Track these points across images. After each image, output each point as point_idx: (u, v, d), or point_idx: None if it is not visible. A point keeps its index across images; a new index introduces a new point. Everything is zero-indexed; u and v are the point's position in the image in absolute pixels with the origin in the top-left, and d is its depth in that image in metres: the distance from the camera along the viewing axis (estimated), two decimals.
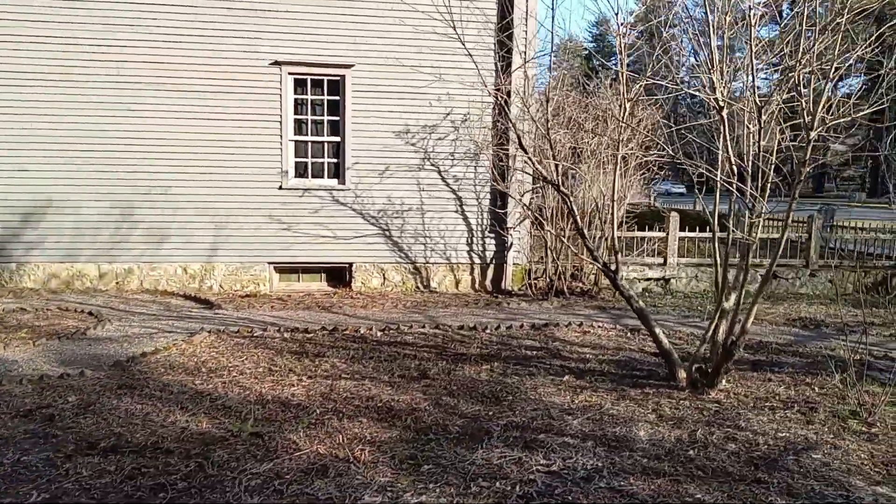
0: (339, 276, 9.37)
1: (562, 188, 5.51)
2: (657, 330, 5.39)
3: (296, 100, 8.95)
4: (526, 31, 8.86)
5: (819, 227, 10.30)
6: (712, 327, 5.32)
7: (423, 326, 6.93)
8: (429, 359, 5.86)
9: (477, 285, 9.53)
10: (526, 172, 9.08)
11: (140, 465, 3.64)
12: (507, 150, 8.92)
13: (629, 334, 6.89)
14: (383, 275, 9.28)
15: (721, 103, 4.68)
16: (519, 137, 5.56)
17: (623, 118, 5.32)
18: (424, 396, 4.90)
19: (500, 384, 5.22)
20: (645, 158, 9.06)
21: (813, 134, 4.61)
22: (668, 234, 9.94)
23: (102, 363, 5.50)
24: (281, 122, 8.82)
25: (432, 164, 9.20)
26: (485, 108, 9.07)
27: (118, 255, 8.74)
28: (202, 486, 3.43)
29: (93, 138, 8.52)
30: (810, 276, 10.23)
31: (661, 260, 10.02)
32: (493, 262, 9.49)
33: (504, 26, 8.70)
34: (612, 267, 5.51)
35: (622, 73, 5.35)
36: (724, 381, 5.32)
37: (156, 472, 3.57)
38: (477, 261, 9.48)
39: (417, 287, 9.37)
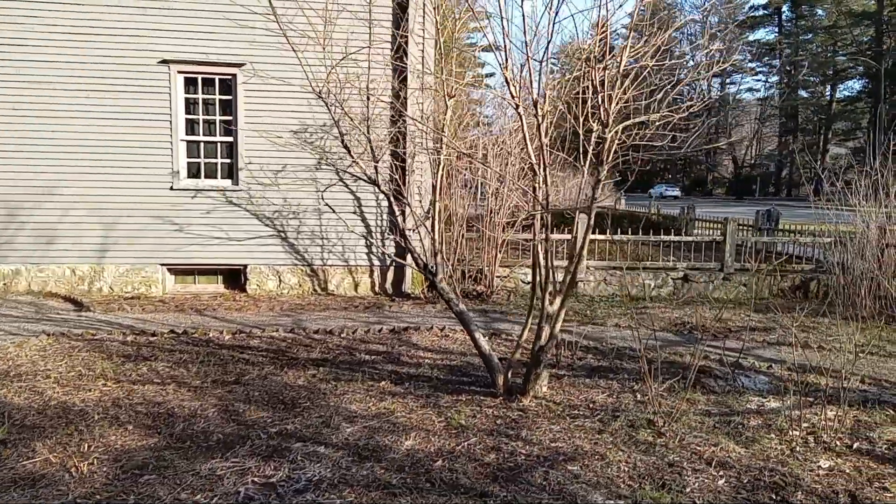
0: (235, 278, 9.25)
1: (382, 187, 5.36)
2: (477, 334, 5.21)
3: (187, 99, 8.84)
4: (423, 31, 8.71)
5: (734, 230, 10.07)
6: (525, 332, 5.15)
7: (277, 330, 6.78)
8: (258, 363, 5.71)
9: (377, 288, 9.37)
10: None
11: None
12: (406, 149, 8.76)
13: (487, 338, 6.70)
14: (279, 277, 9.14)
15: (516, 100, 4.51)
16: (341, 135, 5.41)
17: (447, 113, 5.15)
18: (219, 403, 4.75)
19: (309, 390, 5.06)
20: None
21: (608, 132, 4.44)
22: (575, 236, 9.72)
23: None
24: (171, 122, 8.70)
25: (330, 164, 9.05)
26: (383, 106, 8.91)
27: (6, 256, 8.65)
28: None
29: None
30: (724, 280, 10.00)
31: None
32: (394, 264, 9.33)
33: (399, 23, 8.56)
34: (433, 269, 5.34)
35: (439, 73, 5.18)
36: (544, 388, 5.14)
37: None
38: (377, 263, 9.32)
39: (315, 290, 9.22)
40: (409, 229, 5.52)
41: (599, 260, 10.00)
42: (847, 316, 8.53)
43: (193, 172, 8.98)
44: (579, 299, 9.40)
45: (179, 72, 8.68)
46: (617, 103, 4.40)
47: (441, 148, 5.18)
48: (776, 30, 66.59)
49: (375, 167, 5.37)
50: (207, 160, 8.99)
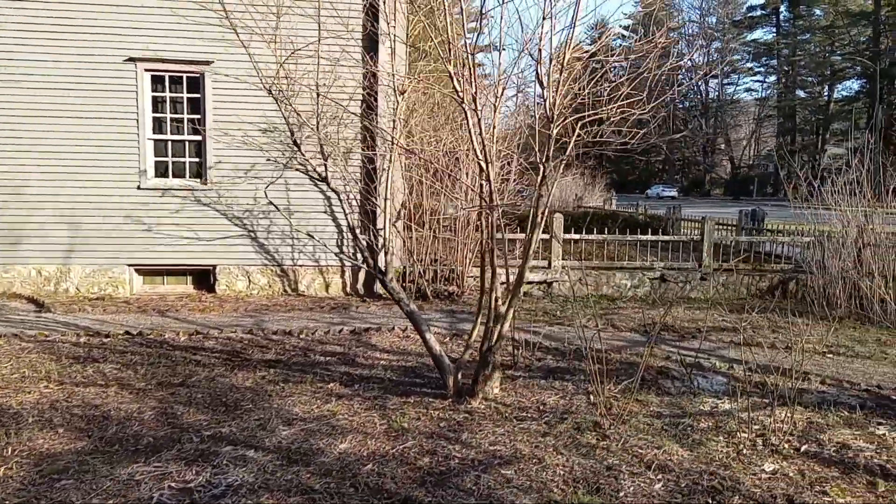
0: (204, 278, 9.14)
1: (331, 184, 5.27)
2: (427, 335, 5.11)
3: (155, 97, 8.73)
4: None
5: (711, 229, 9.97)
6: (474, 333, 5.04)
7: (236, 331, 6.68)
8: (209, 365, 5.61)
9: (349, 288, 9.27)
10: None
11: None
12: (376, 149, 8.65)
13: (447, 339, 6.62)
14: (248, 277, 9.03)
15: (461, 95, 4.40)
16: (291, 132, 5.31)
17: (397, 111, 5.06)
18: (159, 405, 4.64)
19: (255, 392, 4.96)
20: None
21: (554, 129, 4.33)
22: (551, 235, 9.63)
23: None
24: (138, 121, 8.60)
25: (300, 163, 8.92)
26: (352, 105, 8.81)
27: None
28: None
29: None
30: (701, 280, 9.89)
31: (545, 263, 9.71)
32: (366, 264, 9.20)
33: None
34: (383, 269, 5.25)
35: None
36: (495, 389, 5.03)
37: None
38: (348, 263, 9.21)
39: (285, 290, 9.11)
40: (357, 227, 5.41)
41: (576, 260, 9.89)
42: (822, 316, 8.43)
43: (161, 171, 8.88)
44: (553, 300, 9.29)
45: (146, 70, 8.58)
46: (562, 99, 4.30)
47: (393, 146, 5.09)
48: (774, 30, 66.49)
49: (325, 165, 5.27)
50: (175, 159, 8.89)
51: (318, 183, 8.85)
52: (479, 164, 4.61)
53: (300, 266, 9.14)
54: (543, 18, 4.27)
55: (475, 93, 4.17)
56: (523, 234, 9.34)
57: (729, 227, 12.70)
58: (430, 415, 4.58)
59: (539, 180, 4.54)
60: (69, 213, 8.61)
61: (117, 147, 8.62)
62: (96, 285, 8.76)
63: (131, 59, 8.51)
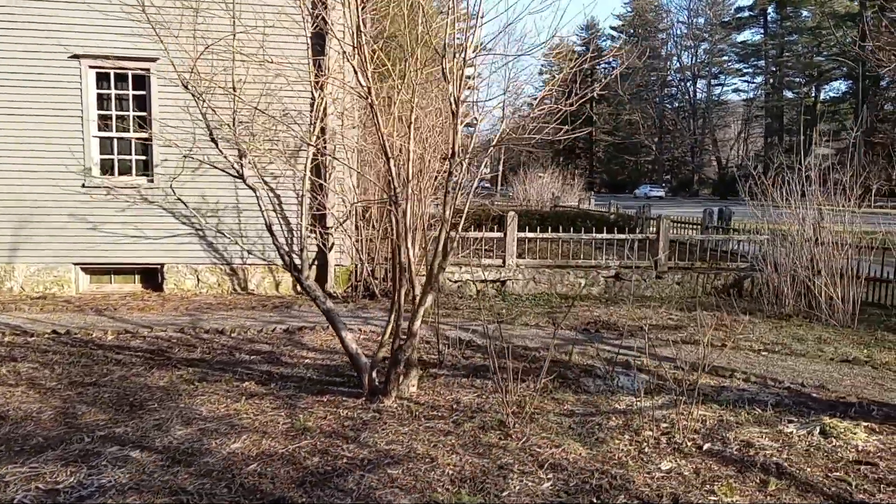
0: (153, 277, 9.04)
1: (248, 182, 5.20)
2: (344, 333, 5.05)
3: (100, 94, 8.64)
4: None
5: (667, 227, 9.93)
6: (388, 331, 4.98)
7: (166, 330, 6.59)
8: (129, 364, 5.52)
9: (299, 287, 9.18)
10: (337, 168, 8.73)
11: None
12: (325, 147, 8.58)
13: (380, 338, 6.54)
14: (197, 276, 8.94)
15: (365, 88, 4.33)
16: (209, 128, 5.24)
17: (313, 109, 4.98)
18: (62, 405, 4.55)
19: (166, 391, 4.88)
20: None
21: (461, 126, 4.27)
22: (505, 234, 9.58)
23: None
24: (82, 118, 8.50)
25: (249, 161, 8.84)
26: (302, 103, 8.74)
27: None
28: None
29: None
30: (656, 279, 9.85)
31: (499, 261, 9.65)
32: (316, 263, 9.14)
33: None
34: (300, 267, 5.17)
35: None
36: (412, 388, 4.97)
37: None
38: (298, 262, 9.11)
39: (234, 289, 9.03)
40: (273, 224, 5.36)
41: (530, 258, 9.84)
42: (772, 314, 8.42)
43: (107, 169, 8.78)
44: (505, 298, 9.24)
45: (91, 66, 8.48)
46: (464, 93, 4.24)
47: (310, 146, 5.04)
48: (762, 31, 66.73)
49: (241, 163, 5.21)
50: (122, 157, 8.79)
51: (269, 181, 8.78)
52: (385, 158, 4.55)
53: (250, 265, 9.05)
54: (446, 13, 4.21)
55: (370, 88, 4.10)
56: (474, 233, 9.30)
57: (693, 226, 12.70)
58: (337, 414, 4.51)
59: (447, 177, 4.48)
60: (13, 210, 8.50)
61: (62, 145, 8.52)
62: (41, 284, 8.65)
63: (75, 56, 8.41)
